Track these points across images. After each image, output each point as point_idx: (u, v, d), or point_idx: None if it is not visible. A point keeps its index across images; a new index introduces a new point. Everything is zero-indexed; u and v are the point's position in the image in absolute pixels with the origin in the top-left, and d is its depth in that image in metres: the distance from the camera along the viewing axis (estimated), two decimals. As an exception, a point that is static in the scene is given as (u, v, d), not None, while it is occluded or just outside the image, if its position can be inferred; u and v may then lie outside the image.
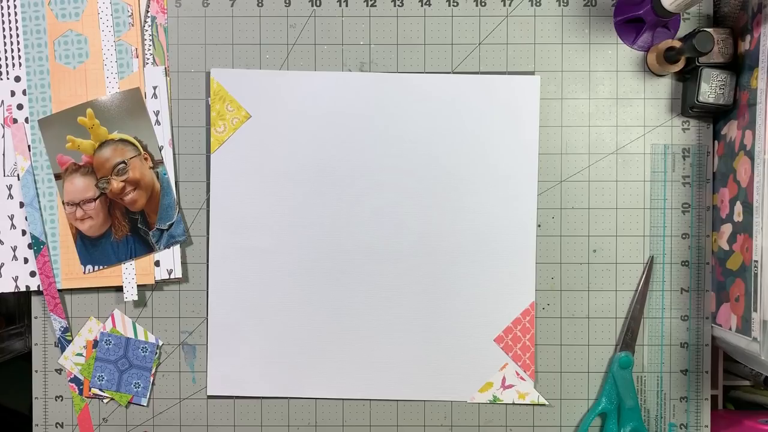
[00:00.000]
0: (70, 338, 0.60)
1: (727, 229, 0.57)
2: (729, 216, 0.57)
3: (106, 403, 0.61)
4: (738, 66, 0.57)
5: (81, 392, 0.61)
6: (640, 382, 0.61)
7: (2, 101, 0.59)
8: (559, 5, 0.60)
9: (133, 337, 0.60)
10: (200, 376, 0.61)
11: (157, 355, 0.61)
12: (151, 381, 0.61)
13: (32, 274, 0.60)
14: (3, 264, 0.60)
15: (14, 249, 0.60)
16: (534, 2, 0.60)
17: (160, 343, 0.61)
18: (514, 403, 0.60)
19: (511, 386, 0.60)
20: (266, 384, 0.60)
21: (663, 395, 0.61)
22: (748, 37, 0.55)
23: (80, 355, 0.60)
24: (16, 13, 0.59)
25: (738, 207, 0.55)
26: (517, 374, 0.60)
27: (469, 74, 0.60)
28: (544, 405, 0.60)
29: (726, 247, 0.57)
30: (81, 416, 0.61)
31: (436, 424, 0.61)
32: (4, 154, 0.60)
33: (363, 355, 0.60)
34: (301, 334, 0.60)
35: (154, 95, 0.60)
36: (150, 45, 0.60)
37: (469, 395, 0.60)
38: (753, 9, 0.54)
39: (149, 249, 0.60)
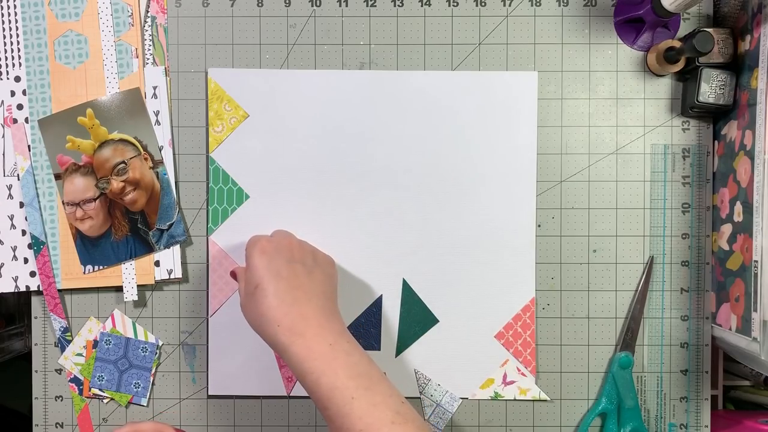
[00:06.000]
0: (70, 338, 0.60)
1: (727, 229, 0.57)
2: (729, 216, 0.57)
3: (106, 403, 0.61)
4: (738, 66, 0.57)
5: (81, 392, 0.61)
6: (640, 382, 0.61)
7: (2, 101, 0.59)
8: (559, 5, 0.60)
9: (133, 337, 0.60)
10: (200, 376, 0.61)
11: (157, 355, 0.61)
12: (151, 381, 0.61)
13: (32, 274, 0.60)
14: (3, 264, 0.60)
15: (14, 249, 0.60)
16: (534, 2, 0.60)
17: (160, 343, 0.61)
18: (515, 399, 0.60)
19: (512, 382, 0.60)
20: (266, 384, 0.60)
21: (663, 395, 0.61)
22: (748, 37, 0.55)
23: (80, 355, 0.60)
24: (16, 13, 0.59)
25: (738, 207, 0.55)
26: (518, 370, 0.60)
27: (467, 71, 0.60)
28: (545, 401, 0.60)
29: (726, 247, 0.57)
30: (81, 416, 0.61)
31: (436, 424, 0.61)
32: (4, 154, 0.60)
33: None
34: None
35: (154, 95, 0.60)
36: (150, 45, 0.60)
37: (470, 392, 0.60)
38: (753, 9, 0.54)
39: (149, 249, 0.60)
